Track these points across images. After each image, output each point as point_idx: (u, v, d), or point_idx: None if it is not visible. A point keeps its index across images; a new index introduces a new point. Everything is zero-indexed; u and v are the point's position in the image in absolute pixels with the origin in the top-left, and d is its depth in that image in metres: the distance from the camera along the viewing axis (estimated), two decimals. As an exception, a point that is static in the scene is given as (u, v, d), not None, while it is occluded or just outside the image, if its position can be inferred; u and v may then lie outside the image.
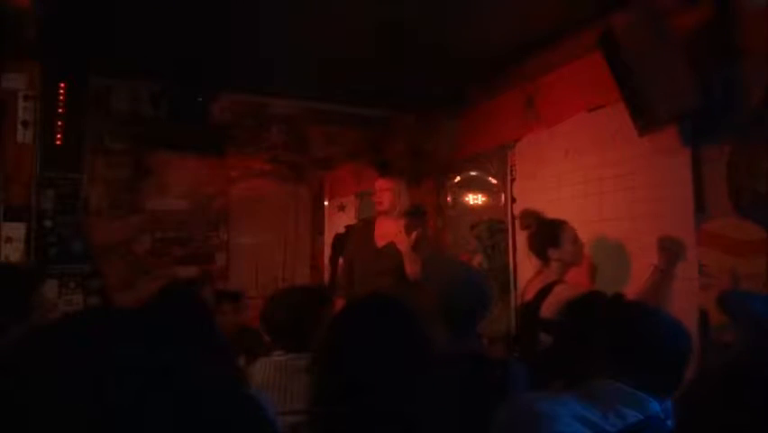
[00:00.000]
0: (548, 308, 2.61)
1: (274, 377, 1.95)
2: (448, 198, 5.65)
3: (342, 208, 5.85)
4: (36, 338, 0.42)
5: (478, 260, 5.28)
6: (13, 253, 4.07)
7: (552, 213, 3.57)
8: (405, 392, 1.16)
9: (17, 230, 4.09)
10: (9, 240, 4.04)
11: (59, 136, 4.43)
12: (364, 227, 3.63)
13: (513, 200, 4.54)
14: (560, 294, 2.69)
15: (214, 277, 5.27)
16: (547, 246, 2.98)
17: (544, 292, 2.80)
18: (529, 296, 2.94)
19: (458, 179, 5.59)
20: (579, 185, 3.76)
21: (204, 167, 5.40)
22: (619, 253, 3.48)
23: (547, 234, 3.00)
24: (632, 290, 3.11)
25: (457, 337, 1.82)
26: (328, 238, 5.75)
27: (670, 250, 2.76)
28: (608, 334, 1.49)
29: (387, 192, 3.47)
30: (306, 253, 5.25)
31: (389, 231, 3.47)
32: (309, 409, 1.26)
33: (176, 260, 5.26)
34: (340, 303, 2.53)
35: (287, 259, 5.46)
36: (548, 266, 2.99)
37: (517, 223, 4.55)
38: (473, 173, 5.53)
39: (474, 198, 5.54)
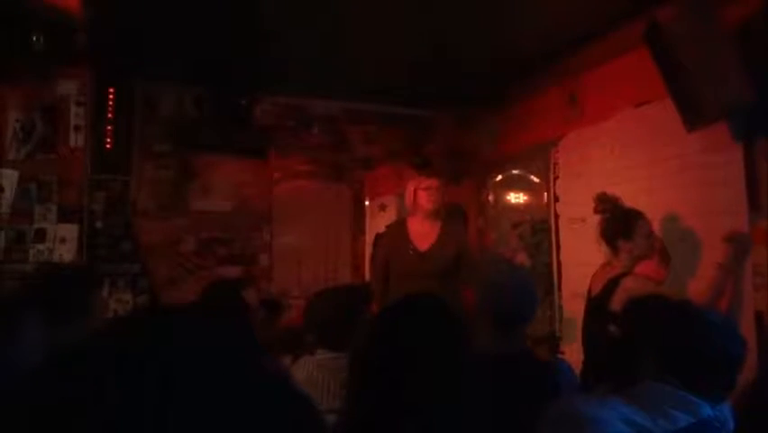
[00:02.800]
0: (618, 302, 2.52)
1: (316, 376, 1.96)
2: (489, 197, 5.61)
3: (383, 208, 5.86)
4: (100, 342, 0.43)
5: (520, 259, 5.23)
6: (67, 253, 4.21)
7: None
8: (450, 395, 1.15)
9: (70, 231, 4.23)
10: (63, 240, 4.18)
11: (108, 140, 4.56)
12: (397, 228, 3.51)
13: (556, 199, 4.46)
14: (629, 287, 2.60)
15: (257, 277, 5.33)
16: (618, 237, 2.86)
17: (613, 285, 2.71)
18: (596, 289, 2.84)
19: (499, 177, 5.55)
20: (626, 183, 3.68)
21: (247, 168, 5.47)
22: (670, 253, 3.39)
23: (620, 224, 2.87)
24: (688, 289, 3.03)
25: (504, 339, 1.80)
26: (369, 238, 5.78)
27: (739, 244, 2.62)
28: (656, 334, 1.45)
29: (435, 191, 3.43)
30: (347, 253, 5.28)
31: (425, 231, 3.36)
32: (345, 408, 1.25)
33: (220, 260, 5.34)
34: (375, 306, 2.52)
35: (328, 259, 5.49)
36: (617, 257, 2.87)
37: (562, 221, 4.49)
38: (515, 172, 5.47)
39: (516, 197, 5.49)
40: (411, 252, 3.26)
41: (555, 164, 4.53)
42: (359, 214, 5.64)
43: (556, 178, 4.47)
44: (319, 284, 5.17)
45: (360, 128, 5.74)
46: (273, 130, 5.54)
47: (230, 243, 5.36)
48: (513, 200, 5.45)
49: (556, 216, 4.42)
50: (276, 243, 5.44)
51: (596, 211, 3.04)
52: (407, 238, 3.30)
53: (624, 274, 2.77)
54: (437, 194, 3.37)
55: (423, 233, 3.32)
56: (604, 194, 3.02)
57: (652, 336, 1.46)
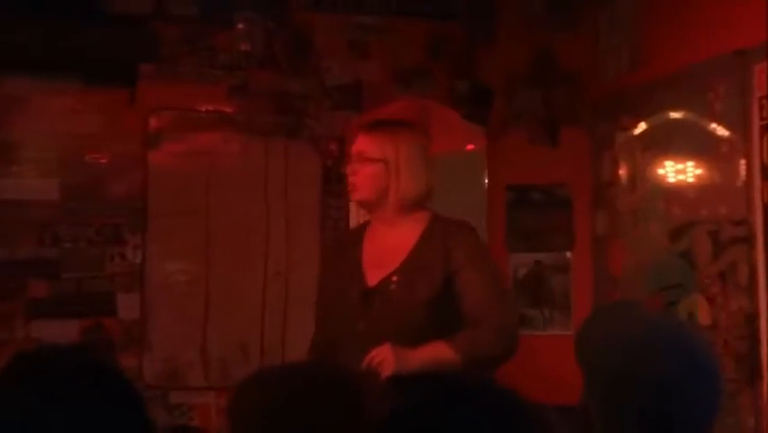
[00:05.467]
0: None
1: None
2: (621, 171, 2.59)
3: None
4: None
5: (687, 307, 2.47)
6: None
7: None
8: None
9: None
10: None
11: None
12: (345, 243, 1.92)
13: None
14: None
15: (113, 345, 2.50)
16: None
17: None
18: None
19: (641, 127, 2.51)
20: None
21: (93, 109, 2.55)
22: None
23: None
24: None
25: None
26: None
27: None
28: None
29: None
30: (312, 285, 2.25)
31: (390, 246, 1.71)
32: None
33: (33, 307, 2.50)
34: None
35: (272, 300, 2.68)
36: None
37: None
38: (674, 115, 2.50)
39: (677, 170, 2.49)
40: (355, 289, 1.70)
41: (764, 99, 2.16)
42: (335, 202, 2.70)
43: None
44: (253, 358, 2.56)
45: (338, 21, 2.77)
46: (149, 24, 2.58)
47: (57, 269, 2.47)
48: (670, 178, 2.44)
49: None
50: (154, 269, 2.62)
51: None
52: (356, 262, 1.73)
53: None
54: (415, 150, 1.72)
55: (383, 250, 1.72)
56: None
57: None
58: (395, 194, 1.67)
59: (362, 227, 1.84)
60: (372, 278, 1.70)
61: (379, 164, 1.67)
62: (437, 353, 1.50)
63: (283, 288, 2.68)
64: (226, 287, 2.65)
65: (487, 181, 2.84)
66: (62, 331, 2.48)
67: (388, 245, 1.74)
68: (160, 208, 2.60)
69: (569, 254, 2.80)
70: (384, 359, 1.45)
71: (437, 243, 1.70)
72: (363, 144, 1.73)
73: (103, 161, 2.59)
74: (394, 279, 1.68)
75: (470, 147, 2.69)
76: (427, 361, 1.49)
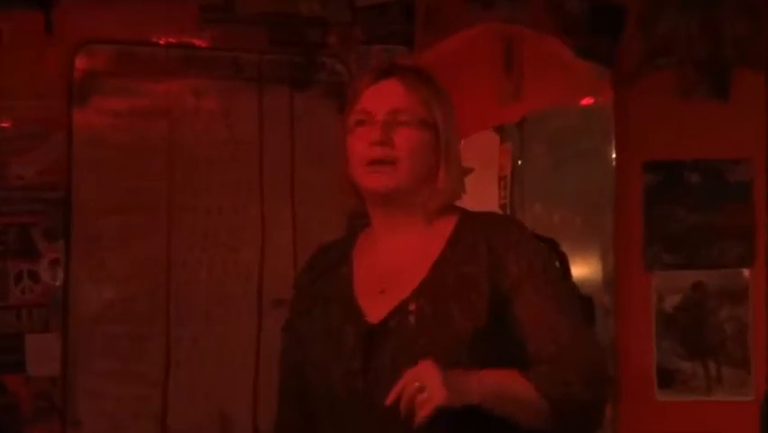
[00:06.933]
0: None
1: None
2: None
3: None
4: None
5: None
6: None
7: None
8: None
9: None
10: None
11: None
12: (325, 266, 1.18)
13: None
14: None
15: (16, 419, 1.63)
16: None
17: None
18: None
19: None
20: None
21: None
22: None
23: None
24: None
25: None
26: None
27: None
28: None
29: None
30: None
31: (399, 265, 1.10)
32: None
33: None
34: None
35: (267, 347, 1.74)
36: None
37: None
38: None
39: None
40: (349, 331, 1.11)
41: None
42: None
43: None
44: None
45: None
46: None
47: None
48: None
49: None
50: (84, 294, 1.76)
51: None
52: (345, 292, 1.14)
53: None
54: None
55: (388, 268, 1.13)
56: None
57: None
58: (443, 182, 1.13)
59: (346, 242, 1.28)
60: (374, 311, 1.15)
61: (429, 132, 1.11)
62: (512, 383, 1.01)
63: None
64: (198, 325, 1.76)
65: (614, 156, 1.93)
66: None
67: (396, 261, 1.20)
68: (93, 201, 1.75)
69: (747, 273, 1.90)
70: (429, 386, 0.93)
71: (476, 249, 1.17)
72: (400, 97, 1.14)
73: (3, 125, 1.69)
74: (411, 307, 1.15)
75: (587, 101, 1.94)
76: (495, 392, 1.01)
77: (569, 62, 1.71)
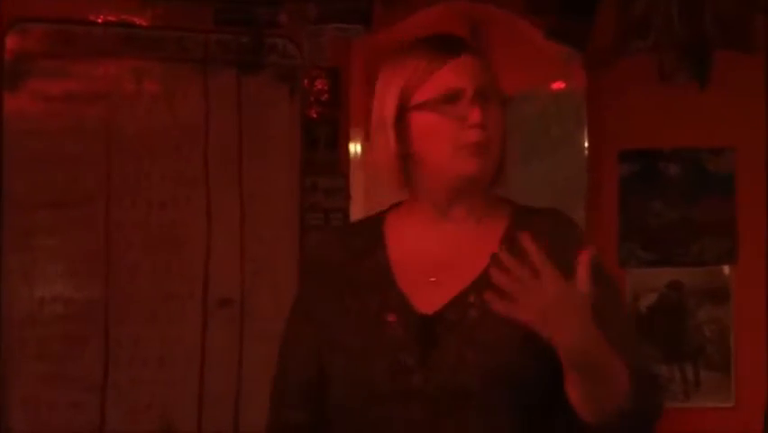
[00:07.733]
0: None
1: None
2: None
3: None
4: None
5: None
6: None
7: None
8: None
9: None
10: None
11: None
12: (355, 251, 0.94)
13: None
14: None
15: None
16: None
17: None
18: None
19: None
20: None
21: None
22: None
23: None
24: None
25: None
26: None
27: None
28: None
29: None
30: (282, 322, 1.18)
31: (442, 252, 0.92)
32: None
33: None
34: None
35: (213, 351, 1.69)
36: None
37: None
38: None
39: None
40: (398, 320, 0.90)
41: None
42: (328, 186, 1.60)
43: None
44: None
45: None
46: None
47: None
48: None
49: None
50: (16, 295, 1.63)
51: None
52: (383, 276, 0.93)
53: None
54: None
55: (438, 255, 0.94)
56: None
57: None
58: (508, 168, 1.04)
59: (374, 224, 1.12)
60: (424, 301, 1.02)
61: (502, 108, 0.99)
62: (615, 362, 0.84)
63: (236, 328, 1.65)
64: (139, 328, 1.64)
65: (587, 145, 1.84)
66: None
67: (450, 249, 1.06)
68: (24, 193, 1.64)
69: (728, 270, 1.79)
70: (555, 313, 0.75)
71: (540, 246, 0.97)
72: (483, 75, 1.00)
73: None
74: (471, 299, 1.01)
75: (557, 85, 1.85)
76: (600, 360, 0.82)
77: (538, 44, 1.60)
